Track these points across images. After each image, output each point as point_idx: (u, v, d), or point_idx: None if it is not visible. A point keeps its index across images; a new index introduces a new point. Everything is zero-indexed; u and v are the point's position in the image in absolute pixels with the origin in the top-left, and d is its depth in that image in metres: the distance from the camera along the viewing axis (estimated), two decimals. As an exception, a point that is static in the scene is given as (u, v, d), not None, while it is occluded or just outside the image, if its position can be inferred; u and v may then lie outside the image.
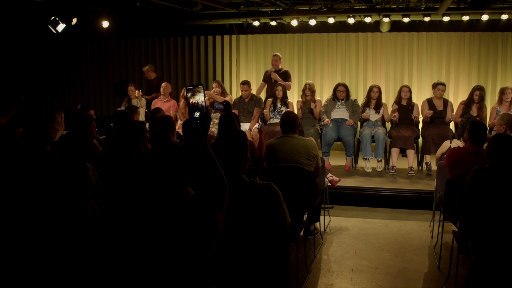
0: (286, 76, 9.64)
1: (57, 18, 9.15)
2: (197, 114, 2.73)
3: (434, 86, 8.81)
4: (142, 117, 9.53)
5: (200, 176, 2.67)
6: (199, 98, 2.79)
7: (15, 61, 11.93)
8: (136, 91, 9.84)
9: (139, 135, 4.94)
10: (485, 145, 5.02)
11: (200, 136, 2.66)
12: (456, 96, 10.29)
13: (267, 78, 9.85)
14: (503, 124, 6.62)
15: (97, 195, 4.22)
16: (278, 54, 9.91)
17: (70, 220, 3.41)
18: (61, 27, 9.22)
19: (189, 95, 2.79)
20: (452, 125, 8.83)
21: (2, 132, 5.06)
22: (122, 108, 9.43)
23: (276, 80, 9.48)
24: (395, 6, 9.45)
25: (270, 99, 9.37)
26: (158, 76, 10.91)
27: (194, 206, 2.62)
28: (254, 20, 10.44)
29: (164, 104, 9.69)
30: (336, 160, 9.13)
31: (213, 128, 8.25)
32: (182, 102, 9.65)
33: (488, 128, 7.82)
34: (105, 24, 10.14)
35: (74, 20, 9.46)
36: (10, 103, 6.55)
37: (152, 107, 9.89)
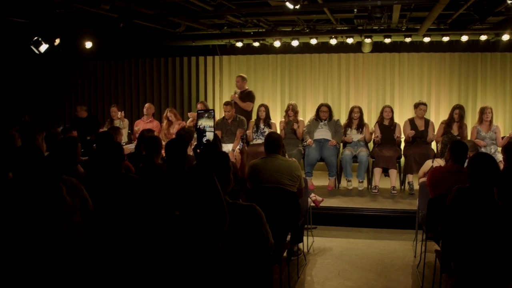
0: (245, 96, 9.87)
1: (40, 39, 9.12)
2: (204, 139, 2.69)
3: (416, 106, 8.90)
4: (125, 138, 9.50)
5: (201, 205, 2.59)
6: (202, 123, 2.76)
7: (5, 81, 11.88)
8: (119, 112, 9.82)
9: (117, 155, 4.90)
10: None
11: (205, 163, 2.58)
12: (438, 116, 10.40)
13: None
14: None
15: (87, 220, 4.18)
16: (242, 75, 10.12)
17: (46, 237, 3.37)
18: (44, 47, 9.18)
19: (198, 119, 2.78)
20: (433, 145, 8.90)
21: None
22: (105, 129, 9.39)
23: (235, 101, 9.73)
24: (377, 27, 9.56)
25: (253, 120, 9.39)
26: (89, 113, 10.75)
27: (189, 238, 2.55)
28: (237, 41, 10.50)
29: (147, 125, 9.65)
30: (319, 180, 9.14)
31: (197, 149, 8.22)
32: (165, 123, 9.63)
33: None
34: (88, 44, 10.12)
35: (57, 41, 9.44)
36: (11, 122, 6.55)
37: (135, 127, 9.87)
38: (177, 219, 2.64)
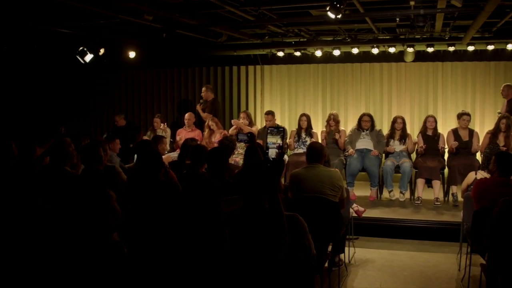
0: (208, 106, 10.31)
1: (85, 49, 9.34)
2: (272, 156, 2.73)
3: (459, 116, 8.73)
4: (167, 147, 9.60)
5: (262, 226, 2.58)
6: (272, 140, 2.82)
7: (46, 91, 12.18)
8: (162, 124, 9.97)
9: (156, 163, 4.94)
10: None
11: (271, 182, 2.56)
12: (482, 126, 10.18)
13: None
14: None
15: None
16: (207, 85, 10.60)
17: (92, 244, 3.43)
18: (89, 57, 9.41)
19: (268, 134, 2.84)
20: (478, 155, 8.72)
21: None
22: (147, 137, 9.55)
23: (198, 110, 10.31)
24: (419, 36, 9.46)
25: (294, 129, 9.40)
26: (127, 121, 11.10)
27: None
28: (279, 50, 10.54)
29: (189, 134, 9.74)
30: (361, 190, 9.05)
31: (238, 158, 8.30)
32: (206, 131, 9.71)
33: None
34: (132, 54, 10.31)
35: (102, 51, 9.65)
36: (47, 135, 6.65)
37: (177, 136, 9.98)
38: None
